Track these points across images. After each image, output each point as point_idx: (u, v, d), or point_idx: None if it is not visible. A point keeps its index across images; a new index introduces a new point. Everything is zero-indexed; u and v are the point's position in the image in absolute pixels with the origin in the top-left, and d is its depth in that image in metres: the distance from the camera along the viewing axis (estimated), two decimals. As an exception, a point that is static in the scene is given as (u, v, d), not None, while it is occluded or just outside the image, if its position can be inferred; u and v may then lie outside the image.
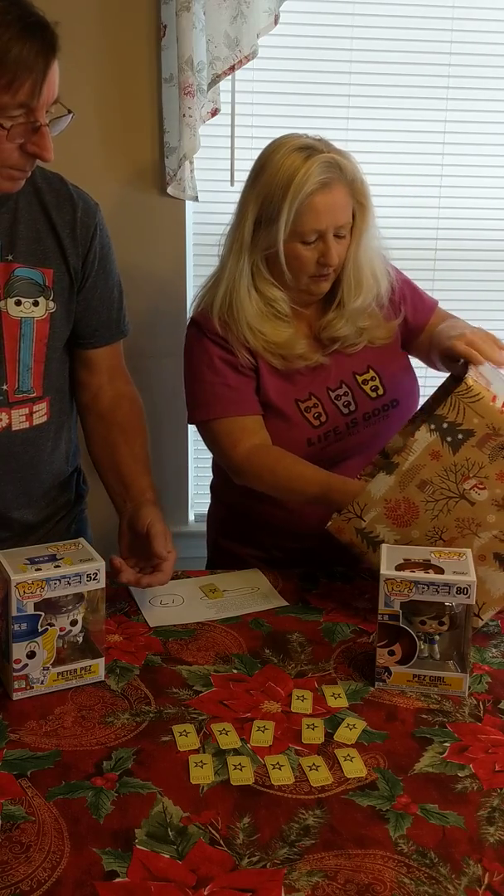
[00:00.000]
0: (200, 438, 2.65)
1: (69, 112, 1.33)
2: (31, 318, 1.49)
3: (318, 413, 1.70)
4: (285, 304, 1.68)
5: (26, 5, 1.26)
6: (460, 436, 1.40)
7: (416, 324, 1.80)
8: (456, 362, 1.51)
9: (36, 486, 1.60)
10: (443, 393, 1.53)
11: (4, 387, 1.49)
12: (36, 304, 1.49)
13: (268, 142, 2.37)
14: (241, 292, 1.66)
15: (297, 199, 1.57)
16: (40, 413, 1.55)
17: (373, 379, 1.75)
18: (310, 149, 1.59)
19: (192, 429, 2.54)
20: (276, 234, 1.60)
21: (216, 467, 1.89)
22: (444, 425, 1.40)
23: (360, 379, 1.74)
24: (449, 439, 1.41)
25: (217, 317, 1.67)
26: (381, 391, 1.75)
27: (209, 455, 1.92)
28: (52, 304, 1.51)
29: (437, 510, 1.44)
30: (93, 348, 1.62)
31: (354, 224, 1.65)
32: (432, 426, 1.41)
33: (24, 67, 1.23)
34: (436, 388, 1.57)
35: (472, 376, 1.41)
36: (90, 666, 1.30)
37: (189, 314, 2.50)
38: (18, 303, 1.47)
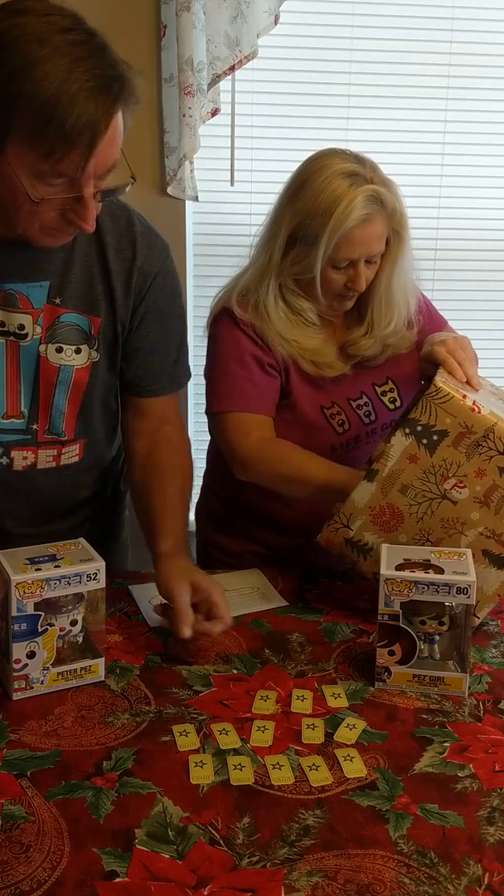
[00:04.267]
0: (199, 440, 2.64)
1: (132, 179, 1.21)
2: (70, 366, 1.41)
3: (342, 420, 1.71)
4: (313, 314, 1.67)
5: (98, 56, 1.12)
6: (435, 437, 1.41)
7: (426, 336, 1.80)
8: (436, 367, 1.52)
9: (62, 509, 1.57)
10: (417, 396, 1.54)
11: (34, 426, 1.44)
12: (78, 351, 1.41)
13: (268, 141, 2.40)
14: (269, 305, 1.64)
15: (338, 234, 1.55)
16: (70, 454, 1.49)
17: (391, 391, 1.76)
18: (354, 176, 1.56)
19: (192, 430, 2.55)
20: (313, 260, 1.58)
21: (214, 457, 1.89)
22: (419, 428, 1.41)
23: (379, 390, 1.75)
24: (424, 441, 1.41)
25: (251, 320, 1.65)
26: (398, 403, 1.76)
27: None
28: (94, 354, 1.42)
29: (421, 513, 1.44)
30: (143, 397, 1.53)
31: (388, 250, 1.64)
32: (407, 430, 1.41)
33: (65, 139, 1.10)
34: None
35: (440, 378, 1.41)
36: (90, 666, 1.30)
37: (189, 306, 2.49)
38: (59, 349, 1.39)
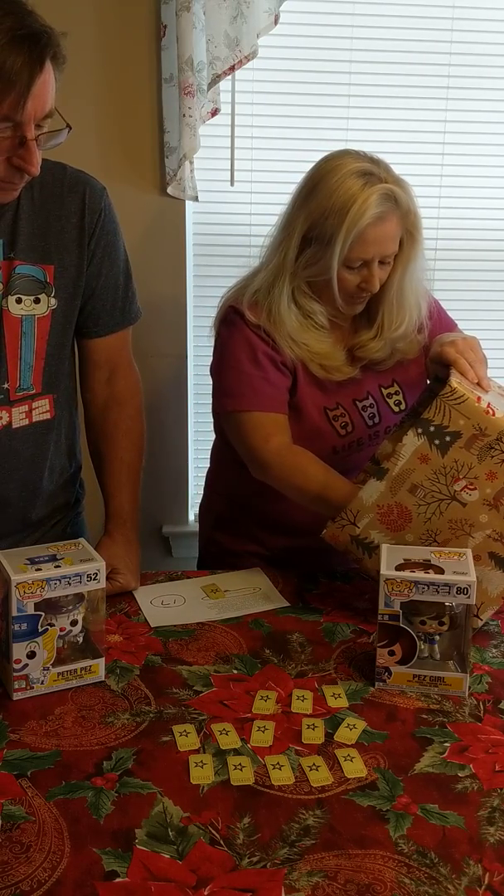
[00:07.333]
0: (199, 440, 2.64)
1: (67, 126, 1.30)
2: (32, 315, 1.48)
3: (346, 423, 1.71)
4: (323, 317, 1.67)
5: (23, 15, 1.24)
6: (448, 438, 1.40)
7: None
8: (445, 367, 1.51)
9: (38, 483, 1.59)
10: (428, 396, 1.53)
11: (5, 385, 1.48)
12: (37, 301, 1.48)
13: (268, 141, 2.39)
14: (282, 307, 1.63)
15: (353, 232, 1.54)
16: (41, 410, 1.54)
17: (396, 393, 1.76)
18: (368, 175, 1.56)
19: (192, 430, 2.55)
20: (329, 260, 1.58)
21: (217, 457, 1.89)
22: (431, 428, 1.41)
23: (385, 392, 1.75)
24: (437, 442, 1.41)
25: (262, 323, 1.64)
26: (403, 405, 1.75)
27: (208, 453, 1.91)
28: (53, 301, 1.50)
29: (429, 513, 1.44)
30: (96, 337, 1.60)
31: (401, 251, 1.63)
32: (419, 430, 1.41)
33: (5, 81, 1.21)
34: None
35: (455, 379, 1.41)
36: (90, 666, 1.30)
37: (189, 306, 2.49)
38: (19, 300, 1.46)
